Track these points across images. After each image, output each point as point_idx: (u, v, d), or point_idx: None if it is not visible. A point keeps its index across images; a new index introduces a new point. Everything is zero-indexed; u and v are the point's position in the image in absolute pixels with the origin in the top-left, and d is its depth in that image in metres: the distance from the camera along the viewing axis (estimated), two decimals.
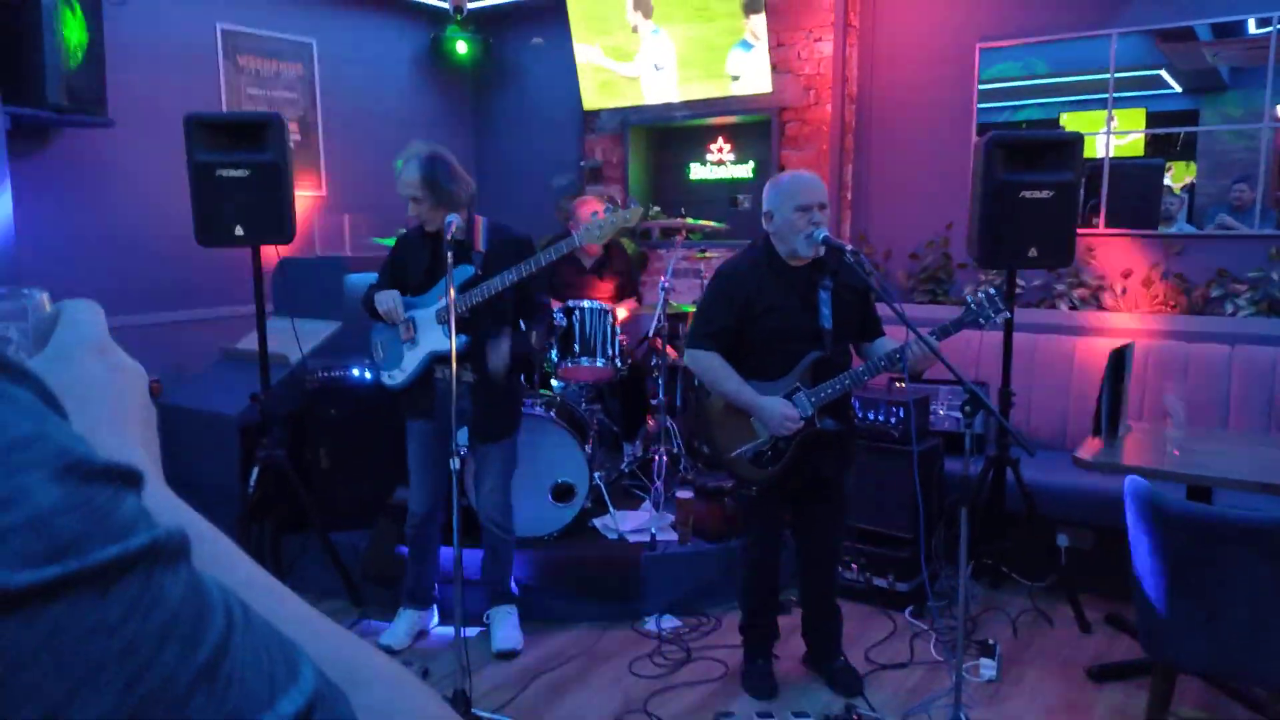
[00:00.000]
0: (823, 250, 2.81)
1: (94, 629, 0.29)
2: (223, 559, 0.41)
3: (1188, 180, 4.62)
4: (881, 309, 3.07)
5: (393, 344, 3.30)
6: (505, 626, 3.41)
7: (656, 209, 5.91)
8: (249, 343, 4.30)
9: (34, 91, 4.09)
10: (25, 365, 0.33)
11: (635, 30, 5.58)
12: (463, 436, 3.18)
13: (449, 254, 2.81)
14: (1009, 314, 2.85)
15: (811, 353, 2.83)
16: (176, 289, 5.02)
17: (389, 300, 3.20)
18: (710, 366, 2.89)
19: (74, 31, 4.19)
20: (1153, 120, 4.73)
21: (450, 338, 2.86)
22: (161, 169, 4.85)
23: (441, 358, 3.18)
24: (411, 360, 3.26)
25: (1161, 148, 4.72)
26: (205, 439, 3.96)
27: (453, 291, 2.82)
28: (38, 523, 0.29)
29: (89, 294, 0.49)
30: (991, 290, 2.80)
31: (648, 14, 5.53)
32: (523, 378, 3.89)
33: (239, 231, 3.55)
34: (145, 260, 4.93)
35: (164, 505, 0.40)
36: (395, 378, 3.30)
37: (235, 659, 0.32)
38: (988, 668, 3.15)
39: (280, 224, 3.58)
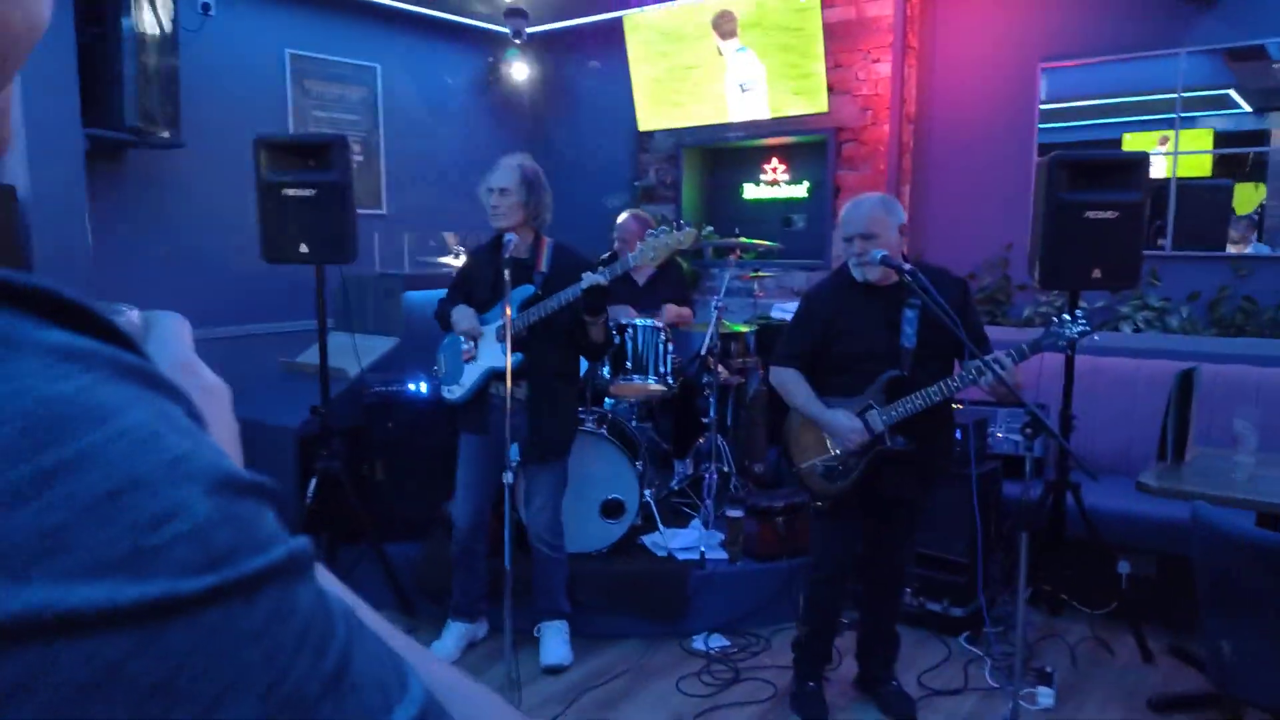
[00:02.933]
0: (872, 275, 2.83)
1: (241, 636, 0.30)
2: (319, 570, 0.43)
3: (1259, 203, 4.49)
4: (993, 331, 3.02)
5: (455, 359, 3.39)
6: (554, 641, 3.41)
7: (710, 229, 5.93)
8: (309, 356, 4.41)
9: (112, 114, 4.27)
10: (178, 384, 0.35)
11: (720, 53, 5.59)
12: (514, 452, 3.21)
13: (505, 271, 2.86)
14: (1094, 336, 2.81)
15: (888, 371, 2.83)
16: (241, 304, 5.17)
17: (467, 320, 3.29)
18: (786, 382, 2.97)
19: (152, 57, 4.37)
20: (1221, 141, 4.62)
21: (507, 355, 2.91)
22: (230, 188, 5.01)
23: (499, 374, 3.23)
24: (470, 376, 3.33)
25: (1229, 168, 4.61)
26: (266, 450, 4.06)
27: (509, 310, 2.87)
28: (198, 534, 0.30)
29: (156, 307, 0.51)
30: (1078, 312, 2.77)
31: (729, 35, 5.54)
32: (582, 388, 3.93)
33: (303, 249, 3.64)
34: (212, 276, 5.09)
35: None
36: (454, 392, 3.39)
37: (356, 668, 0.33)
38: (1045, 696, 3.06)
39: (343, 242, 3.67)
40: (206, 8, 5.02)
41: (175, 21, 4.55)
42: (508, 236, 3.08)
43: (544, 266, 3.25)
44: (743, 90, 5.54)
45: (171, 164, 4.89)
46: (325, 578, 0.44)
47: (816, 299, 3.00)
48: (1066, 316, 2.74)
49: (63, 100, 3.92)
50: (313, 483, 3.70)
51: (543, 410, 3.26)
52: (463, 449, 3.41)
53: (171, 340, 0.46)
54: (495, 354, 3.24)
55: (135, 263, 4.78)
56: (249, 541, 0.32)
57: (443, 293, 3.54)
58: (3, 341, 0.30)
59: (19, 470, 0.28)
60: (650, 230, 3.19)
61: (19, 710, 0.27)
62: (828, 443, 2.91)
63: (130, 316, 0.48)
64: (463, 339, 3.33)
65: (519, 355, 3.17)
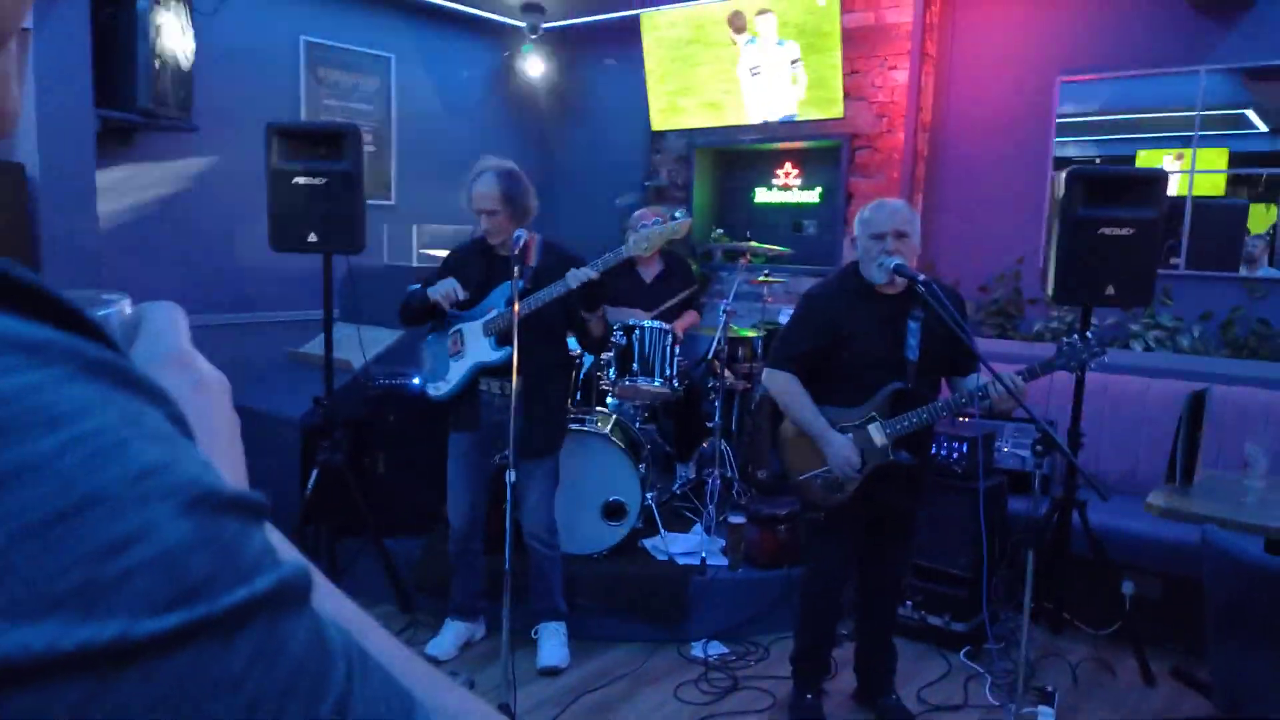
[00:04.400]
0: (899, 279, 2.76)
1: (216, 684, 0.26)
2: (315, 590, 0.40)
3: (1273, 223, 4.47)
4: (984, 345, 3.00)
5: (440, 356, 3.33)
6: (552, 643, 3.39)
7: (720, 231, 5.90)
8: (314, 347, 4.38)
9: (125, 95, 4.25)
10: (157, 383, 0.31)
11: (734, 44, 5.55)
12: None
13: (516, 268, 2.83)
14: (1104, 357, 2.75)
15: (892, 383, 2.78)
16: (249, 291, 5.15)
17: (447, 284, 3.16)
18: (786, 390, 2.85)
19: (169, 39, 4.34)
20: (1235, 160, 4.59)
21: (496, 349, 2.89)
22: (240, 174, 4.99)
23: (488, 370, 3.21)
24: (457, 372, 3.27)
25: (1244, 188, 4.58)
26: (268, 440, 4.04)
27: (517, 305, 2.84)
28: (166, 561, 0.26)
29: (163, 292, 0.47)
30: (1090, 333, 2.73)
31: (740, 30, 5.51)
32: (576, 394, 3.89)
33: (312, 238, 3.62)
34: (219, 262, 5.07)
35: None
36: (440, 389, 3.31)
37: (356, 711, 0.29)
38: (1045, 715, 3.03)
39: (352, 232, 3.64)
40: None
41: (190, 4, 4.53)
42: (518, 232, 3.03)
43: (533, 261, 3.19)
44: (752, 74, 5.47)
45: (183, 148, 4.87)
46: (330, 595, 0.39)
47: (821, 300, 2.89)
48: (1077, 338, 2.71)
49: (75, 79, 3.90)
50: (314, 474, 3.67)
51: (534, 407, 3.20)
52: (452, 448, 3.36)
53: (166, 331, 0.42)
54: (483, 349, 3.21)
55: (143, 247, 4.75)
56: (229, 569, 0.27)
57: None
58: None
59: None
60: (644, 221, 3.15)
61: None
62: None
63: (121, 306, 0.44)
64: (448, 336, 3.27)
65: (509, 350, 3.14)
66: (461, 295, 3.20)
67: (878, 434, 2.77)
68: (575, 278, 3.01)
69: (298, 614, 0.29)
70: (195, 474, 0.28)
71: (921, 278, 2.70)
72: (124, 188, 4.69)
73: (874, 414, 2.79)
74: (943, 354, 2.84)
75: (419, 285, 3.30)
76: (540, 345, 3.18)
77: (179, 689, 0.25)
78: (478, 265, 3.27)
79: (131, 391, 0.29)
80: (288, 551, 0.35)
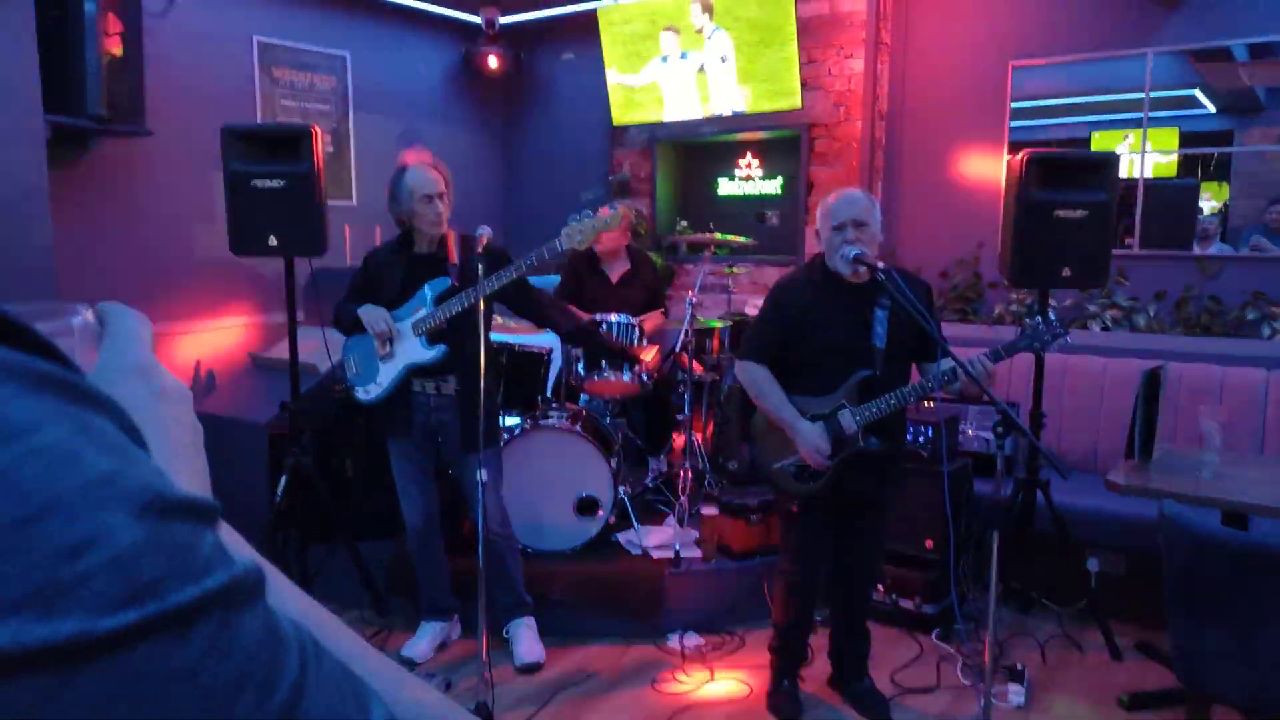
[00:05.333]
0: (862, 268, 2.79)
1: (172, 675, 0.28)
2: (278, 593, 0.40)
3: (1219, 204, 4.57)
4: (948, 330, 3.04)
5: (367, 358, 3.27)
6: (527, 639, 3.40)
7: (684, 224, 5.92)
8: (279, 351, 4.34)
9: (75, 101, 4.16)
10: (105, 393, 0.32)
11: (700, 31, 5.54)
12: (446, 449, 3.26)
13: (479, 266, 2.81)
14: (1067, 338, 2.80)
15: (860, 370, 2.82)
16: (210, 297, 5.07)
17: (379, 317, 3.18)
18: (755, 379, 2.90)
19: (116, 42, 4.26)
20: (1186, 140, 4.69)
21: (428, 348, 2.99)
22: (197, 178, 4.92)
23: (419, 370, 3.21)
24: (388, 374, 3.24)
25: (1193, 169, 4.68)
26: (235, 446, 4.00)
27: (483, 304, 2.83)
28: (120, 563, 0.28)
29: (121, 299, 0.47)
30: (1051, 315, 2.78)
31: (710, 12, 5.50)
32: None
33: (272, 241, 3.59)
34: (180, 268, 4.99)
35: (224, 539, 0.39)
36: (371, 392, 3.27)
37: (310, 701, 0.31)
38: (1016, 694, 3.10)
39: (313, 234, 3.61)
40: None
41: (139, 6, 4.44)
42: (481, 228, 3.00)
43: (455, 258, 3.17)
44: (722, 61, 5.48)
45: (137, 153, 4.78)
46: (288, 591, 0.41)
47: (788, 291, 2.94)
48: (1040, 320, 2.76)
49: (23, 86, 3.81)
50: (283, 480, 3.64)
51: (473, 400, 3.20)
52: (394, 452, 3.34)
53: (130, 341, 0.43)
54: (414, 350, 3.19)
55: (100, 254, 4.67)
56: (181, 569, 0.29)
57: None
58: None
59: None
60: (573, 215, 3.15)
61: None
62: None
63: (85, 316, 0.45)
64: (372, 339, 3.21)
65: (442, 348, 3.16)
66: (394, 330, 3.18)
67: (848, 421, 2.81)
68: (493, 282, 2.98)
69: (250, 609, 0.31)
70: (146, 481, 0.30)
71: (881, 266, 2.74)
72: (78, 194, 4.60)
73: (843, 402, 2.82)
74: (910, 341, 2.89)
75: (352, 300, 3.29)
76: (471, 340, 3.14)
77: (136, 681, 0.27)
78: (397, 266, 3.26)
79: (82, 404, 0.30)
80: (242, 550, 0.36)
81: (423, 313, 3.19)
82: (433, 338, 3.18)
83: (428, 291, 3.19)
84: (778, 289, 2.98)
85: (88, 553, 0.27)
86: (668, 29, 5.60)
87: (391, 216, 3.30)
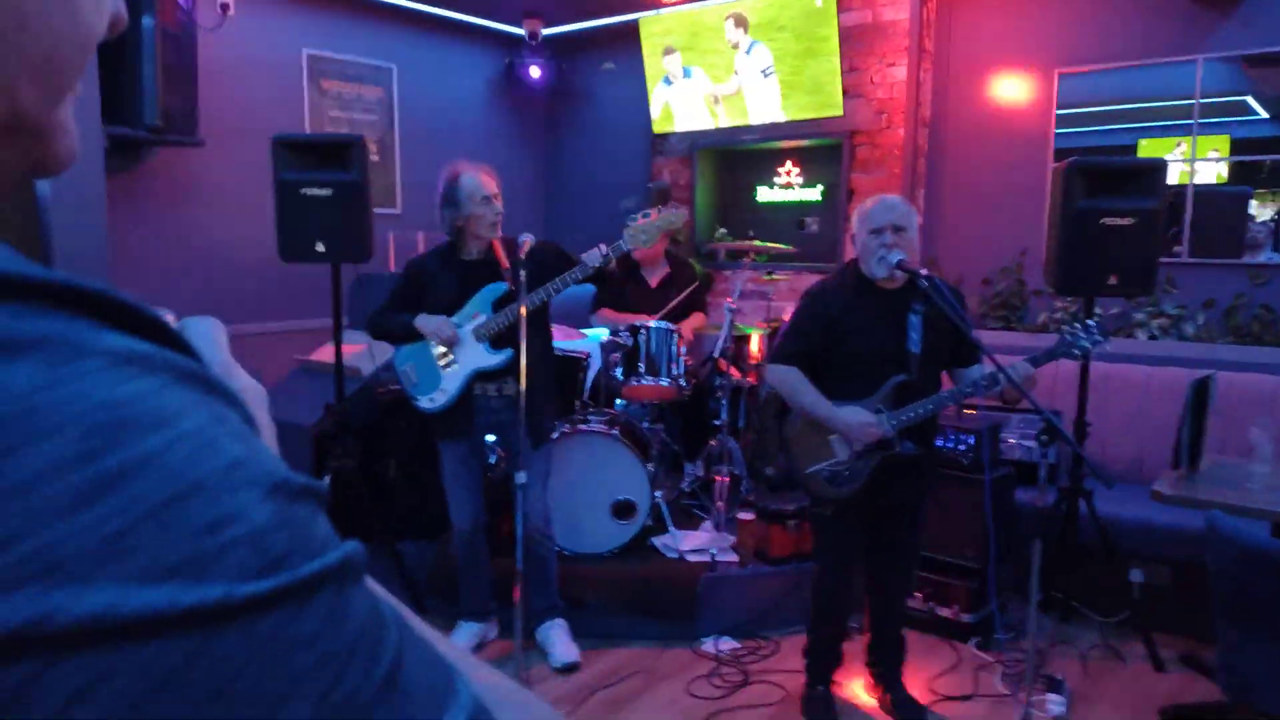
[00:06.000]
0: (900, 274, 2.78)
1: (296, 640, 0.30)
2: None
3: (1273, 208, 4.47)
4: (990, 337, 3.04)
5: (426, 367, 3.31)
6: (562, 640, 3.42)
7: (724, 231, 5.93)
8: (324, 355, 4.43)
9: (131, 112, 4.30)
10: (230, 386, 0.35)
11: (735, 46, 5.59)
12: (490, 453, 3.29)
13: (523, 273, 2.87)
14: (1107, 345, 2.77)
15: (896, 376, 2.81)
16: (258, 302, 5.20)
17: (442, 324, 3.22)
18: (787, 379, 2.89)
19: (172, 55, 4.40)
20: (1237, 147, 4.60)
21: (493, 353, 3.06)
22: (247, 187, 5.05)
23: (483, 375, 3.25)
24: (453, 381, 3.28)
25: (1246, 176, 4.58)
26: (281, 448, 4.06)
27: (524, 310, 2.88)
28: (255, 538, 0.31)
29: (173, 305, 0.50)
30: (1091, 322, 2.75)
31: (746, 29, 5.54)
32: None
33: (320, 248, 3.67)
34: (229, 274, 5.12)
35: None
36: (437, 400, 3.30)
37: (408, 674, 0.34)
38: (1055, 704, 3.06)
39: (359, 242, 3.69)
40: (225, 7, 5.05)
41: (194, 20, 4.58)
42: (524, 235, 3.06)
43: (506, 264, 3.23)
44: (764, 76, 5.51)
45: (190, 162, 4.93)
46: (373, 584, 0.45)
47: (822, 297, 2.93)
48: (1079, 326, 2.73)
49: (83, 97, 3.95)
50: (326, 481, 3.71)
51: (537, 400, 3.26)
52: (447, 455, 3.37)
53: (209, 347, 0.47)
54: (478, 355, 3.23)
55: (153, 261, 4.81)
56: (304, 546, 0.32)
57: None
58: (62, 344, 0.31)
59: (82, 474, 0.29)
60: (631, 216, 3.18)
61: (83, 713, 0.27)
62: (834, 447, 2.87)
63: (170, 319, 0.48)
64: (433, 345, 3.27)
65: (509, 352, 3.19)
66: (456, 335, 3.23)
67: (884, 425, 2.80)
68: (592, 259, 3.09)
69: (357, 586, 0.34)
70: (271, 466, 0.33)
71: (924, 272, 2.74)
72: (133, 203, 4.74)
73: (879, 406, 2.82)
74: (944, 346, 2.88)
75: (396, 309, 3.32)
76: (533, 339, 3.21)
77: (268, 644, 0.30)
78: (449, 274, 3.29)
79: (215, 397, 0.34)
80: None
81: (482, 319, 3.23)
82: (495, 343, 3.23)
83: (486, 297, 3.23)
84: (811, 295, 2.98)
85: (228, 528, 0.30)
86: (694, 48, 5.62)
87: (444, 224, 3.30)
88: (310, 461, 4.05)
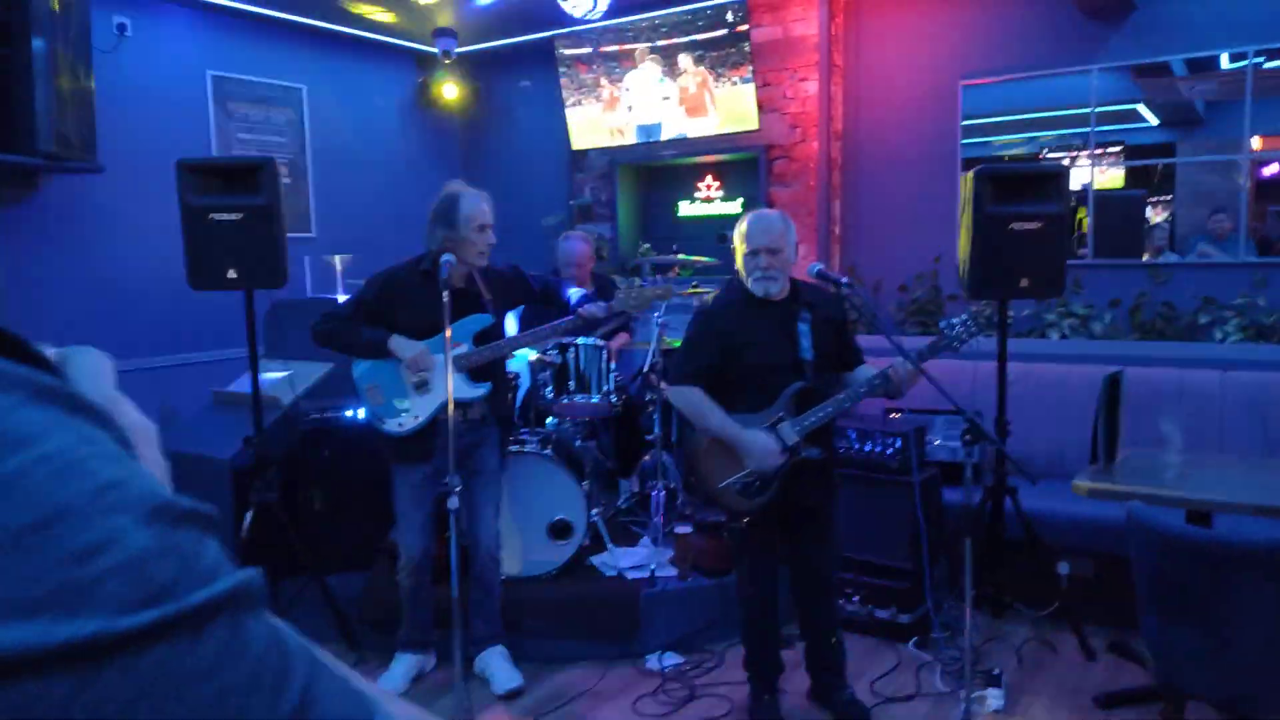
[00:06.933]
0: (774, 290, 2.90)
1: (189, 675, 0.28)
2: None
3: (1165, 213, 4.70)
4: (869, 339, 3.16)
5: (394, 388, 3.21)
6: (503, 668, 3.35)
7: (647, 245, 5.95)
8: (240, 385, 4.27)
9: (24, 138, 4.10)
10: (101, 406, 0.33)
11: (650, 61, 5.64)
12: (455, 480, 3.22)
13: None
14: (980, 335, 2.92)
15: (794, 383, 2.86)
16: (167, 333, 4.99)
17: (421, 351, 3.13)
18: (692, 401, 2.92)
19: (65, 78, 4.20)
20: (1131, 153, 4.82)
21: (472, 386, 3.14)
22: (152, 213, 4.85)
23: (458, 403, 3.17)
24: (425, 407, 3.19)
25: (1140, 180, 4.81)
26: (198, 483, 3.91)
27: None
28: (133, 566, 0.28)
29: (78, 338, 0.47)
30: (964, 316, 2.88)
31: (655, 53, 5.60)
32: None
33: (231, 275, 3.54)
34: (135, 304, 4.91)
35: None
36: (405, 424, 3.20)
37: (320, 707, 0.31)
38: (995, 698, 3.12)
39: (273, 267, 3.57)
40: (122, 27, 4.86)
41: (88, 42, 4.39)
42: (446, 258, 3.00)
43: (486, 293, 3.23)
44: (677, 101, 5.57)
45: (90, 189, 4.71)
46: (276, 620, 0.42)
47: (713, 315, 3.01)
48: (955, 322, 2.89)
49: None
50: (248, 516, 3.58)
51: (504, 424, 3.33)
52: (402, 479, 3.27)
53: (93, 378, 0.43)
54: (457, 384, 3.07)
55: (52, 292, 4.57)
56: (191, 573, 0.30)
57: None
58: None
59: None
60: (623, 280, 3.29)
61: None
62: (741, 459, 2.89)
63: (47, 352, 0.45)
64: (399, 368, 3.17)
65: (489, 386, 3.22)
66: (432, 364, 3.16)
67: (788, 433, 2.85)
68: (590, 311, 3.25)
69: (256, 615, 0.31)
70: (150, 488, 0.31)
71: (845, 280, 2.86)
72: (29, 233, 4.51)
73: (782, 414, 2.87)
74: (831, 351, 2.99)
75: (359, 320, 3.21)
76: (500, 369, 3.30)
77: (156, 681, 0.27)
78: (424, 295, 3.11)
79: (82, 416, 0.31)
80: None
81: (464, 348, 3.16)
82: (475, 375, 3.19)
83: (469, 328, 3.18)
84: (703, 313, 3.07)
85: (101, 555, 0.27)
86: (616, 62, 5.67)
87: (431, 240, 3.18)
88: (230, 496, 3.89)
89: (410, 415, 3.21)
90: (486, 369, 3.22)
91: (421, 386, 3.20)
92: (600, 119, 5.87)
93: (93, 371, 0.44)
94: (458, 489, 2.89)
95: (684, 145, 5.72)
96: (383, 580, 3.66)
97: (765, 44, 5.38)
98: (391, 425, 3.22)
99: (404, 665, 3.37)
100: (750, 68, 5.29)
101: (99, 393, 0.42)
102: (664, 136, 5.69)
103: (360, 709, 0.33)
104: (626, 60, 5.67)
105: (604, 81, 5.77)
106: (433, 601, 3.40)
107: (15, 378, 0.29)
